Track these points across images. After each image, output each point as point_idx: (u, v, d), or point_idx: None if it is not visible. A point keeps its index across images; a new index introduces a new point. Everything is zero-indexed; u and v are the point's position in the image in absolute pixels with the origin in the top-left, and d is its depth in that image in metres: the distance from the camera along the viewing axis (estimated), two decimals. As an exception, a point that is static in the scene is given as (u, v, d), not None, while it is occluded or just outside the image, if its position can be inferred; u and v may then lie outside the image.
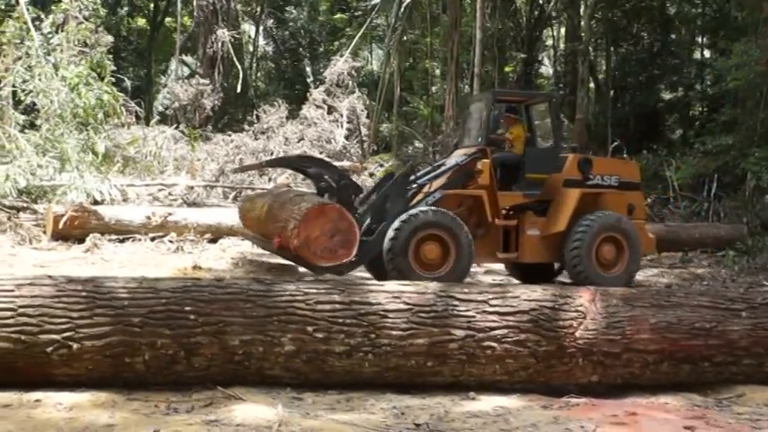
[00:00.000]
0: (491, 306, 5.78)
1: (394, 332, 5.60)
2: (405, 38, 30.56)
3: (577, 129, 26.46)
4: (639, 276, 13.55)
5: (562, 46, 36.03)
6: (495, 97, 12.17)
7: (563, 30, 35.71)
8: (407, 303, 5.71)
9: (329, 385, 5.65)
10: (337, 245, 9.85)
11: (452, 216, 10.90)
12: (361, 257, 10.52)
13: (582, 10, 30.04)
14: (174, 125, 26.32)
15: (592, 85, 32.14)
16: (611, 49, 32.60)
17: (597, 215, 11.51)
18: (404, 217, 10.72)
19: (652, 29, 32.18)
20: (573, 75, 30.98)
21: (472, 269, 11.69)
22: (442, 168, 11.80)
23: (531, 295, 5.91)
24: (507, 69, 32.58)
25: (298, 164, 12.97)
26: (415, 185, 11.48)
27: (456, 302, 5.77)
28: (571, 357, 5.74)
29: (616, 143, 25.67)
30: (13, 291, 5.43)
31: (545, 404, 5.52)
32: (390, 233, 10.62)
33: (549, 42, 37.47)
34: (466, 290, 5.94)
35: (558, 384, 5.85)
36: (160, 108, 33.33)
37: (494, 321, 5.71)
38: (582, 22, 29.48)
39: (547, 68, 37.60)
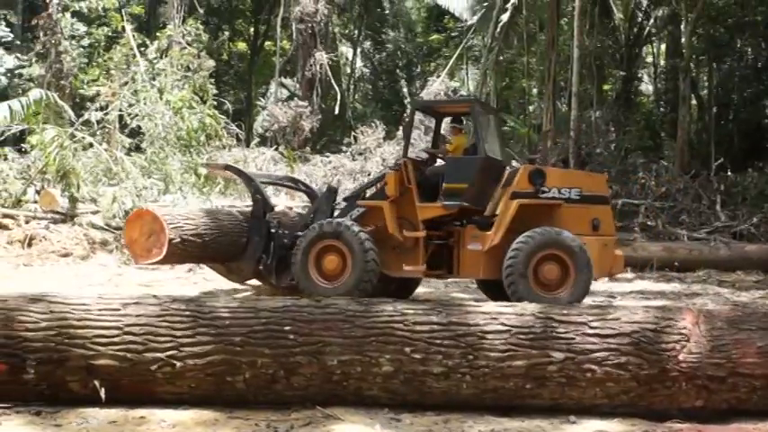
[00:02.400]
0: (591, 328, 5.68)
1: (492, 354, 5.56)
2: (501, 57, 30.45)
3: (679, 146, 25.89)
4: (744, 298, 13.17)
5: (662, 63, 35.38)
6: (414, 107, 11.92)
7: (663, 46, 35.06)
8: (505, 325, 5.67)
9: (427, 406, 5.64)
10: (152, 244, 10.56)
11: (350, 227, 10.75)
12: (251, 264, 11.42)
13: (683, 26, 29.44)
14: (274, 147, 26.76)
15: (694, 102, 31.45)
16: (714, 65, 31.84)
17: (537, 231, 10.41)
18: (310, 229, 11.06)
19: (756, 44, 31.32)
20: (674, 92, 30.36)
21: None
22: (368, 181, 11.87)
23: (632, 317, 5.79)
24: (606, 87, 32.15)
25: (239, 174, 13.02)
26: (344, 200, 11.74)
27: (555, 324, 5.70)
28: (674, 381, 5.60)
29: (720, 161, 25.04)
30: (119, 309, 5.59)
31: (647, 429, 5.39)
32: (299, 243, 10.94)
33: (649, 59, 36.82)
34: (565, 311, 5.86)
35: (661, 409, 5.70)
36: (260, 130, 33.92)
37: (594, 344, 5.62)
38: (683, 39, 28.91)
39: (647, 86, 36.93)
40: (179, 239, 10.63)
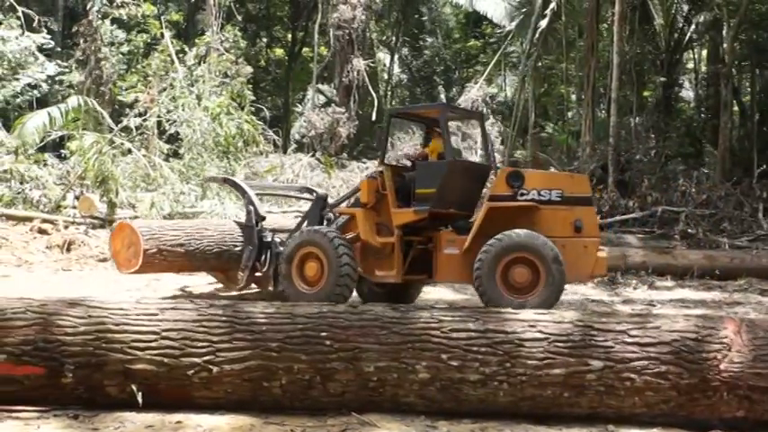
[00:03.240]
0: (630, 336, 5.61)
1: (529, 361, 5.51)
2: (539, 63, 30.31)
3: (720, 153, 25.60)
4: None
5: (704, 69, 35.00)
6: (389, 115, 12.23)
7: (704, 52, 34.71)
8: (543, 332, 5.61)
9: (463, 414, 5.60)
10: (131, 255, 11.34)
11: (326, 234, 10.99)
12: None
13: (725, 31, 29.14)
14: (311, 153, 26.84)
15: (735, 108, 31.10)
16: (756, 70, 31.47)
17: (506, 234, 10.29)
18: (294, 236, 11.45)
19: (800, 49, 30.94)
20: (715, 98, 30.01)
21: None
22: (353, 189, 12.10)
23: (672, 326, 5.71)
24: (646, 94, 31.88)
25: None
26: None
27: (594, 332, 5.63)
28: (715, 391, 5.51)
29: (762, 168, 24.70)
30: (156, 314, 5.62)
31: (688, 439, 5.32)
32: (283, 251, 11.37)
33: (690, 65, 36.46)
34: (604, 319, 5.80)
35: (702, 419, 5.61)
36: (297, 136, 34.04)
37: (633, 352, 5.54)
38: (725, 44, 28.61)
39: (688, 92, 36.56)
40: (155, 250, 11.32)
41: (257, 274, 11.93)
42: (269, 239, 11.97)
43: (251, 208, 12.16)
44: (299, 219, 12.81)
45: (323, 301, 9.79)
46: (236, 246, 12.12)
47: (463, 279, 11.04)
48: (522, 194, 10.59)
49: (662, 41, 30.74)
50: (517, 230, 10.32)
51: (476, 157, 25.16)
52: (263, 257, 11.95)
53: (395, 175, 11.36)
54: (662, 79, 30.37)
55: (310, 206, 12.40)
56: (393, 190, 11.16)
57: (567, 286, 14.37)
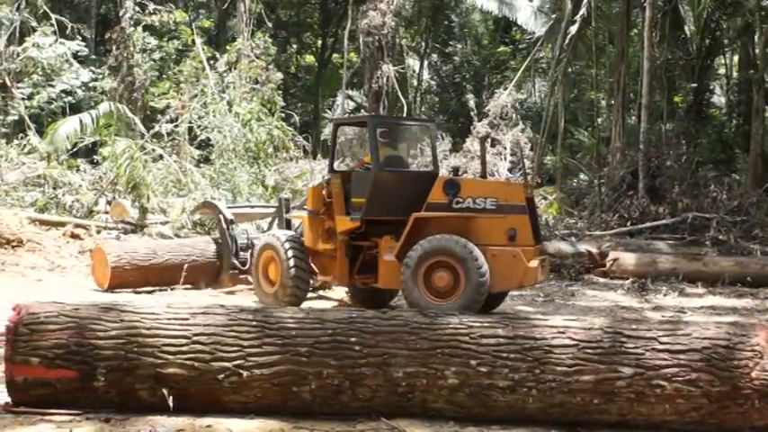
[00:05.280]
0: (661, 343, 5.59)
1: (559, 368, 5.51)
2: (569, 69, 30.18)
3: (752, 159, 25.37)
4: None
5: (735, 74, 34.71)
6: (335, 124, 12.90)
7: (736, 57, 34.43)
8: (573, 339, 5.61)
9: (492, 420, 5.60)
10: (106, 272, 13.12)
11: (279, 237, 11.71)
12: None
13: (756, 37, 28.88)
14: (341, 158, 26.85)
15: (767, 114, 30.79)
16: (789, 76, 31.18)
17: (428, 239, 10.61)
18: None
19: (833, 54, 30.58)
20: (747, 104, 29.73)
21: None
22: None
23: (703, 333, 5.68)
24: (677, 99, 31.65)
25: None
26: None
27: (624, 339, 5.62)
28: (746, 399, 5.47)
29: (794, 175, 24.45)
30: (187, 319, 5.67)
31: (718, 447, 5.29)
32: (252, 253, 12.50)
33: (722, 71, 36.17)
34: (634, 326, 5.78)
35: (733, 427, 5.58)
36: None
37: (664, 360, 5.52)
38: (756, 49, 28.36)
39: (719, 98, 36.26)
40: (121, 268, 13.11)
41: (234, 271, 13.46)
42: (244, 240, 13.61)
43: (220, 216, 13.71)
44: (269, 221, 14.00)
45: (282, 299, 11.17)
46: (199, 257, 13.82)
47: (400, 285, 11.18)
48: (458, 203, 10.84)
49: (693, 47, 30.52)
50: (437, 236, 10.62)
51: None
52: (242, 257, 13.45)
53: (345, 182, 11.67)
54: (693, 85, 30.15)
55: (275, 210, 13.50)
56: (340, 197, 11.53)
57: (596, 293, 14.42)
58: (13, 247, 15.06)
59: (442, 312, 6.26)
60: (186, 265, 13.49)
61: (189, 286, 13.54)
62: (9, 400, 5.67)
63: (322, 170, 23.41)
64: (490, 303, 11.15)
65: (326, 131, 35.47)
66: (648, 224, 19.81)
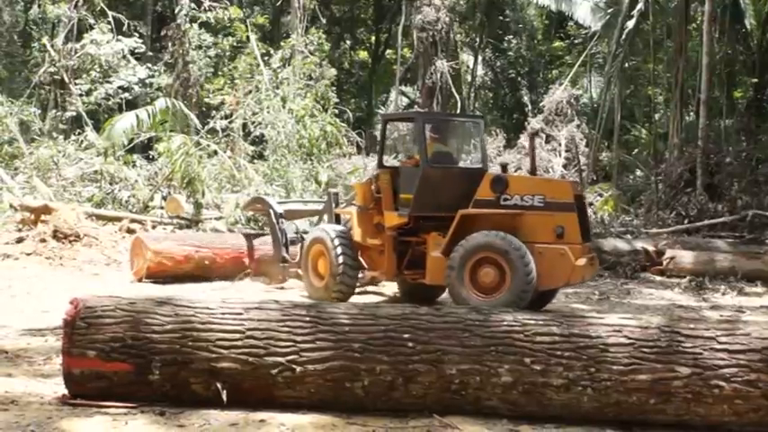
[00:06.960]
0: (719, 343, 5.48)
1: (615, 367, 5.43)
2: (626, 64, 29.84)
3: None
4: None
5: (796, 69, 34.04)
6: (383, 120, 12.92)
7: (798, 52, 33.77)
8: (629, 338, 5.53)
9: (546, 418, 5.55)
10: (143, 264, 13.37)
11: (328, 232, 11.83)
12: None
13: (819, 31, 28.33)
14: (394, 155, 26.86)
15: (830, 109, 30.16)
16: None
17: (474, 235, 10.54)
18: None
19: None
20: (808, 99, 29.20)
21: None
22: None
23: (763, 333, 5.56)
24: (736, 95, 31.13)
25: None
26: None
27: (681, 338, 5.52)
28: (808, 401, 5.35)
29: None
30: (241, 314, 5.69)
31: (779, 449, 5.17)
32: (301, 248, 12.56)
33: (783, 66, 35.50)
34: (692, 325, 5.68)
35: (793, 429, 5.47)
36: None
37: (722, 359, 5.41)
38: (819, 44, 27.80)
39: (780, 93, 35.59)
40: (158, 260, 13.30)
41: (286, 265, 13.32)
42: (295, 233, 13.68)
43: (270, 211, 13.66)
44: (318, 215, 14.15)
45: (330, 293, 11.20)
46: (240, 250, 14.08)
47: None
48: (505, 200, 10.79)
49: (753, 41, 29.98)
50: (485, 232, 10.57)
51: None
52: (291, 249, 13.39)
53: (394, 178, 11.70)
54: (753, 80, 29.63)
55: (324, 205, 13.63)
56: (389, 193, 11.54)
57: (652, 292, 14.23)
58: (70, 241, 15.28)
59: (496, 309, 6.21)
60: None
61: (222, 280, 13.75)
62: (66, 392, 5.75)
63: (375, 167, 23.48)
64: (539, 301, 11.00)
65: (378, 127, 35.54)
66: (706, 222, 19.51)
